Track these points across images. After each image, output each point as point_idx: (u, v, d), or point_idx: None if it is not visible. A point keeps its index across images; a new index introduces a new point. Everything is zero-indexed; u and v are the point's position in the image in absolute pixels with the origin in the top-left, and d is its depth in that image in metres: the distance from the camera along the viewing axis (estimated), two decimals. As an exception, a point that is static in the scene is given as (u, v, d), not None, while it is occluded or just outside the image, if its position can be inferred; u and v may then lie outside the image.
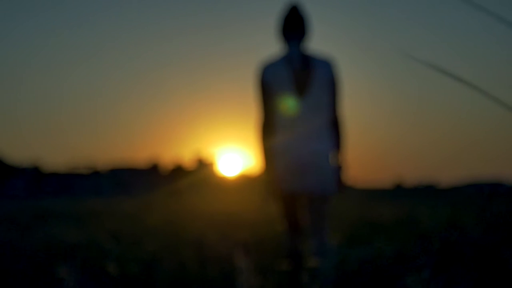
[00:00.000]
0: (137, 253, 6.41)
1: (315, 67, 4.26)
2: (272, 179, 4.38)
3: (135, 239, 7.91)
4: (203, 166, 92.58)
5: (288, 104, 4.31)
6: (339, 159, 4.38)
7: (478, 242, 6.25)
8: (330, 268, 4.33)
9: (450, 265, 5.03)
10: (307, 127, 4.26)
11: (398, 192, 42.76)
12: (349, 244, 6.91)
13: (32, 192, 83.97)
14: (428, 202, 20.54)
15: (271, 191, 4.41)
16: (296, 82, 4.24)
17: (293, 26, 4.35)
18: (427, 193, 39.34)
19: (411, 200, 22.65)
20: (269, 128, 4.35)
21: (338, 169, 4.39)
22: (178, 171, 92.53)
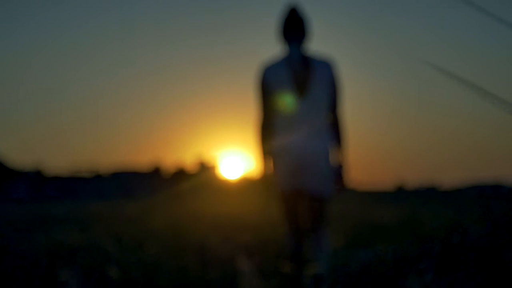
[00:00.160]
0: (140, 256, 6.42)
1: (315, 68, 4.29)
2: (270, 178, 4.41)
3: (138, 242, 7.92)
4: (205, 169, 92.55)
5: (288, 104, 4.33)
6: (340, 159, 4.41)
7: (480, 245, 6.25)
8: (325, 270, 4.34)
9: (452, 268, 5.04)
10: (307, 128, 4.29)
11: (400, 194, 42.73)
12: (351, 246, 6.92)
13: (34, 195, 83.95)
14: (430, 204, 20.53)
15: (270, 189, 4.44)
16: (296, 82, 4.28)
17: (293, 27, 4.39)
18: (428, 195, 39.31)
19: (413, 202, 22.65)
20: (267, 128, 4.39)
21: (339, 169, 4.42)
22: (180, 174, 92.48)
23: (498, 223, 9.36)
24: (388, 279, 4.74)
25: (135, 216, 15.67)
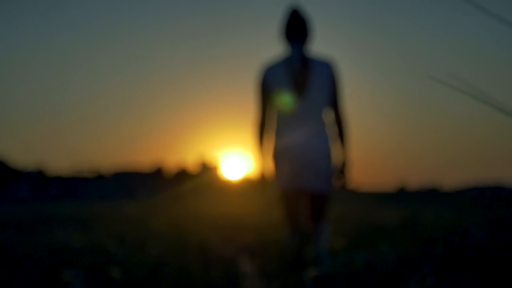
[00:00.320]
0: (141, 257, 6.43)
1: (314, 68, 4.33)
2: (267, 177, 4.45)
3: (140, 243, 7.93)
4: (207, 170, 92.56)
5: (287, 104, 4.37)
6: (343, 157, 4.44)
7: (482, 246, 6.26)
8: (326, 270, 4.37)
9: (454, 270, 5.05)
10: (306, 127, 4.33)
11: (401, 196, 42.67)
12: (352, 247, 6.93)
13: (36, 195, 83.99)
14: (431, 205, 20.53)
15: (267, 188, 4.49)
16: (295, 83, 4.32)
17: (295, 29, 4.42)
18: (430, 196, 39.29)
19: (414, 204, 22.64)
20: (265, 128, 4.44)
21: (341, 166, 4.45)
22: (182, 174, 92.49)
23: (499, 225, 9.37)
24: (390, 280, 4.75)
25: (137, 217, 15.68)
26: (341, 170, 4.45)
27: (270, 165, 4.49)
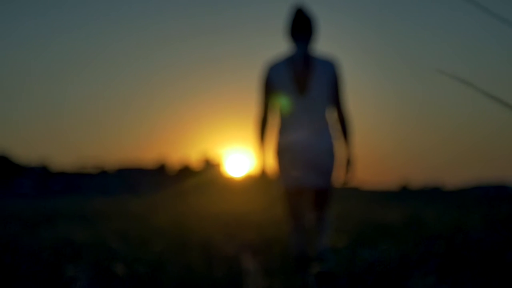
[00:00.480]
0: (144, 253, 6.45)
1: (316, 67, 4.36)
2: (268, 174, 4.49)
3: (142, 240, 7.95)
4: (210, 167, 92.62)
5: (289, 103, 4.40)
6: (347, 154, 4.48)
7: (484, 245, 6.27)
8: (329, 267, 4.40)
9: (456, 269, 5.06)
10: (309, 125, 4.37)
11: (404, 194, 42.68)
12: (354, 245, 6.95)
13: (40, 191, 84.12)
14: (433, 204, 20.53)
15: (269, 185, 4.52)
16: (297, 81, 4.36)
17: (300, 28, 4.45)
18: (432, 195, 39.27)
19: (417, 202, 22.64)
20: (266, 126, 4.48)
21: (345, 164, 4.48)
22: (185, 171, 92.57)
23: (502, 224, 9.38)
24: (392, 278, 4.77)
25: (140, 213, 15.71)
26: (346, 168, 4.49)
27: (272, 163, 4.53)
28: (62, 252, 6.83)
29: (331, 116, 4.48)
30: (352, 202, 20.78)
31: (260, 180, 4.54)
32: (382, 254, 5.93)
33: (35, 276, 5.24)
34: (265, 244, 7.18)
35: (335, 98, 4.44)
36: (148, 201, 27.18)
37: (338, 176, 4.52)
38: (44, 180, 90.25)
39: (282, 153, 4.44)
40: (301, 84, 4.38)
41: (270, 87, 4.45)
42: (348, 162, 4.49)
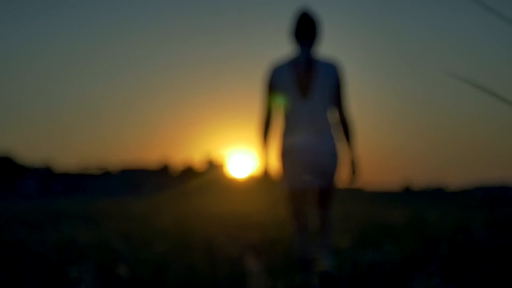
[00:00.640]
0: (148, 254, 6.46)
1: (319, 70, 4.41)
2: (271, 174, 4.52)
3: (146, 240, 7.96)
4: (213, 168, 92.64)
5: (291, 105, 4.44)
6: (350, 154, 4.51)
7: (488, 246, 6.28)
8: (332, 268, 4.42)
9: (460, 270, 5.07)
10: (311, 127, 4.41)
11: (407, 195, 42.69)
12: (357, 246, 6.95)
13: (43, 192, 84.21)
14: (436, 205, 20.53)
15: (272, 185, 4.55)
16: (299, 84, 4.41)
17: (304, 31, 4.50)
18: (435, 196, 39.25)
19: (420, 203, 22.64)
20: (269, 126, 4.52)
21: (349, 166, 4.52)
22: (188, 172, 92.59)
23: (505, 225, 9.38)
24: (395, 279, 4.77)
25: (143, 214, 15.73)
26: (351, 169, 4.53)
27: (275, 164, 4.56)
28: (66, 253, 6.85)
29: (334, 118, 4.52)
30: (355, 203, 20.78)
31: (264, 181, 4.57)
32: (385, 255, 5.94)
33: (39, 277, 5.25)
34: (268, 245, 7.19)
35: (337, 100, 4.49)
36: (151, 202, 27.21)
37: (343, 177, 4.55)
38: (48, 181, 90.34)
39: (285, 154, 4.48)
40: (304, 87, 4.42)
41: (273, 89, 4.50)
42: (353, 164, 4.53)
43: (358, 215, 13.50)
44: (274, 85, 4.50)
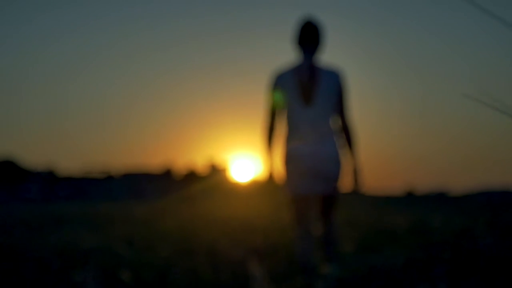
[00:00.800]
0: (150, 258, 6.48)
1: (322, 78, 4.47)
2: (276, 180, 4.55)
3: (149, 245, 7.98)
4: (216, 172, 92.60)
5: (294, 112, 4.48)
6: (352, 161, 4.54)
7: (491, 251, 6.28)
8: (335, 269, 4.43)
9: (463, 275, 5.07)
10: (315, 134, 4.45)
11: (409, 200, 42.62)
12: (360, 251, 6.96)
13: (46, 196, 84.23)
14: (439, 209, 20.52)
15: (276, 191, 4.58)
16: (302, 91, 4.46)
17: (308, 40, 4.56)
18: (438, 200, 39.21)
19: (422, 208, 22.64)
20: (273, 133, 4.57)
21: (352, 173, 4.54)
22: (191, 176, 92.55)
23: (507, 230, 9.38)
24: (398, 284, 4.78)
25: (146, 218, 15.74)
26: (353, 176, 4.56)
27: (279, 170, 4.59)
28: (69, 257, 6.86)
29: (336, 125, 4.56)
30: (358, 208, 20.78)
31: (268, 185, 4.60)
32: (387, 260, 5.95)
33: (42, 281, 5.27)
34: (271, 249, 7.19)
35: (339, 108, 4.55)
36: (154, 206, 27.23)
37: (345, 184, 4.57)
38: (51, 185, 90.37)
39: (288, 160, 4.51)
40: (307, 94, 4.48)
41: (276, 96, 4.55)
42: (355, 172, 4.56)
43: (361, 219, 13.50)
44: (277, 92, 4.56)
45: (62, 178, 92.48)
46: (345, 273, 5.08)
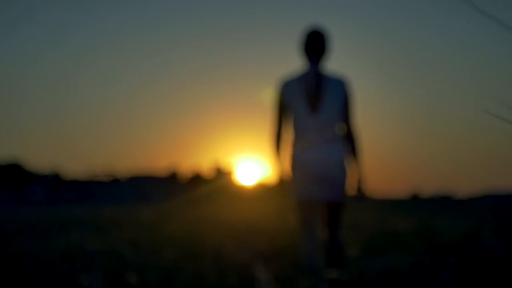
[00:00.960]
0: (156, 262, 6.48)
1: (328, 85, 4.52)
2: (284, 184, 4.57)
3: (154, 248, 7.99)
4: (221, 175, 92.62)
5: (301, 120, 4.51)
6: (356, 169, 4.57)
7: (496, 254, 6.27)
8: (341, 276, 4.44)
9: (470, 278, 5.07)
10: (321, 141, 4.48)
11: (415, 203, 42.57)
12: (365, 254, 6.96)
13: (52, 199, 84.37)
14: (444, 213, 20.49)
15: (285, 194, 4.61)
16: (308, 99, 4.51)
17: (313, 47, 4.62)
18: (443, 204, 39.15)
19: (428, 211, 22.60)
20: (280, 139, 4.61)
21: (356, 180, 4.56)
22: (197, 179, 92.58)
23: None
24: (404, 287, 4.78)
25: (151, 221, 15.75)
26: (357, 185, 4.58)
27: (286, 176, 4.63)
28: (75, 260, 6.87)
29: (342, 132, 4.59)
30: (363, 211, 20.76)
31: (276, 189, 4.63)
32: (393, 263, 5.95)
33: (48, 285, 5.28)
34: (277, 253, 7.20)
35: (345, 115, 4.59)
36: (159, 209, 27.23)
37: (349, 192, 4.59)
38: (56, 188, 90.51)
39: (294, 167, 4.55)
40: (313, 102, 4.52)
41: (283, 104, 4.60)
42: (359, 180, 4.58)
43: (366, 223, 13.49)
44: (284, 100, 4.60)
45: (68, 181, 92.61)
46: (350, 276, 5.08)
